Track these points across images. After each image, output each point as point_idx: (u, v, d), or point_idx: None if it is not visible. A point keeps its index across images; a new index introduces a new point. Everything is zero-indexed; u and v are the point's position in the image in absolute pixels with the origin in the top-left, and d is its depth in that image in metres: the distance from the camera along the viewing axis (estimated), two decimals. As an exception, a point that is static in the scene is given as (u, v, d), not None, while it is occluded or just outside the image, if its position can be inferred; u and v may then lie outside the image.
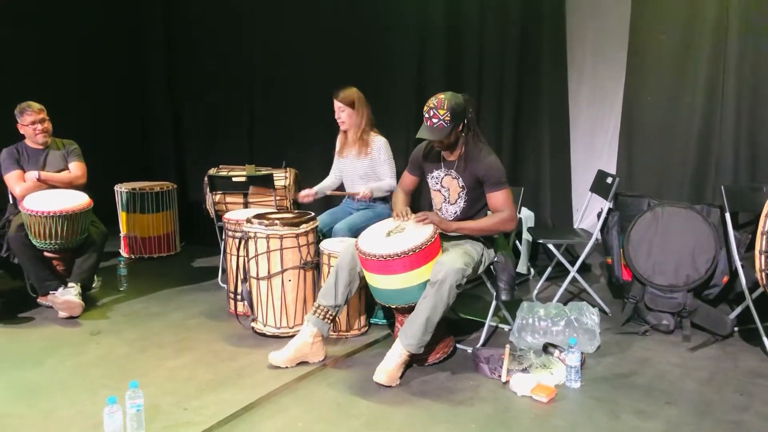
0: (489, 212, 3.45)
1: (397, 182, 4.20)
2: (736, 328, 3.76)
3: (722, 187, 3.83)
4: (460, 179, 3.42)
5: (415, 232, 3.25)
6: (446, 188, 3.49)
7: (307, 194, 4.33)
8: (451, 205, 3.50)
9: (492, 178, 3.32)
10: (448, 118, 3.23)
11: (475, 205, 3.46)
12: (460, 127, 3.31)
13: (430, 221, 3.32)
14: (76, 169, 4.42)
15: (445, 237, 3.39)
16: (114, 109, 6.46)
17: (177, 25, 6.41)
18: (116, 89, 6.47)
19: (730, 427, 2.75)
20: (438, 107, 3.23)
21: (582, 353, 3.27)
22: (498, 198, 3.33)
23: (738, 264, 3.67)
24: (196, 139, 6.53)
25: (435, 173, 3.52)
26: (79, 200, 4.12)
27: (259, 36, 6.04)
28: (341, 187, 4.41)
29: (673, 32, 4.62)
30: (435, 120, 3.24)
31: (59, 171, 4.38)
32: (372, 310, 3.92)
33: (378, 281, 3.25)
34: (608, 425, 2.78)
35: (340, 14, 5.64)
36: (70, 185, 4.33)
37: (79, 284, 4.10)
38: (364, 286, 3.48)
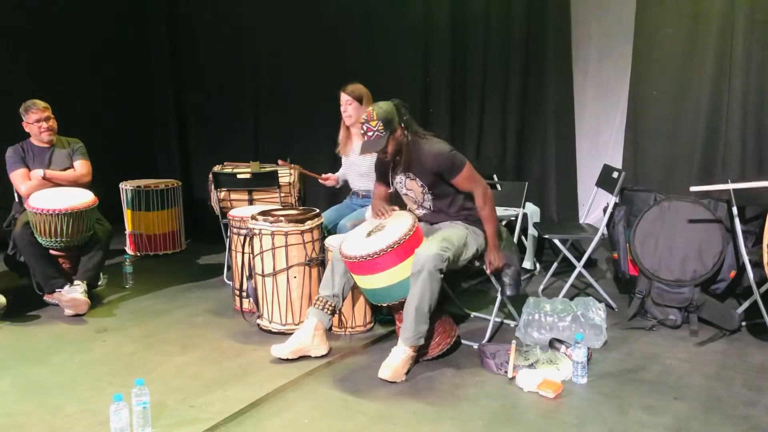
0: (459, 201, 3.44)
1: None
2: (743, 323, 3.74)
3: (729, 181, 3.80)
4: (418, 179, 3.39)
5: (394, 226, 3.25)
6: (411, 190, 3.47)
7: (328, 177, 4.39)
8: (422, 204, 3.48)
9: (444, 166, 3.29)
10: (381, 128, 3.23)
11: (444, 199, 3.42)
12: (397, 132, 3.30)
13: (496, 265, 3.39)
14: (81, 167, 4.42)
15: (427, 229, 3.41)
16: (119, 107, 6.46)
17: (183, 23, 6.41)
18: (122, 87, 6.48)
19: (739, 421, 2.74)
20: (369, 120, 3.25)
21: (588, 349, 3.26)
22: (462, 180, 3.32)
23: (745, 258, 3.65)
24: (200, 137, 6.54)
25: (398, 179, 3.49)
26: (85, 198, 4.13)
27: (264, 33, 6.04)
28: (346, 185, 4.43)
29: (679, 26, 4.60)
30: (370, 133, 3.26)
31: (64, 169, 4.39)
32: (377, 306, 3.90)
33: (367, 282, 3.25)
34: (616, 420, 2.76)
35: (344, 13, 5.63)
36: (75, 183, 4.34)
37: (84, 282, 4.10)
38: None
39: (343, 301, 3.45)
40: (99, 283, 4.49)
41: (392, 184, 3.55)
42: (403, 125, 3.31)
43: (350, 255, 3.19)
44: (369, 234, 3.30)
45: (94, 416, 2.77)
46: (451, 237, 3.28)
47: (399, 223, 3.27)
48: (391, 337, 3.68)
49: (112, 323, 3.94)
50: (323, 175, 4.46)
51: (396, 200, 3.60)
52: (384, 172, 3.57)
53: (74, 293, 4.00)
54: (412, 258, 3.15)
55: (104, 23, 6.24)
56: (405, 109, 3.36)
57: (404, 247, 3.14)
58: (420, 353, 3.27)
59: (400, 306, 3.23)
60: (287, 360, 3.30)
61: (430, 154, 3.30)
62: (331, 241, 3.76)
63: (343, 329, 3.72)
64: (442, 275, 3.15)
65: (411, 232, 3.18)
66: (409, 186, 3.46)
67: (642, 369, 3.27)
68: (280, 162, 4.48)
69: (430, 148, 3.31)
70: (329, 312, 3.39)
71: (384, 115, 3.24)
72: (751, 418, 2.76)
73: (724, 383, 3.10)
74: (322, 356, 3.36)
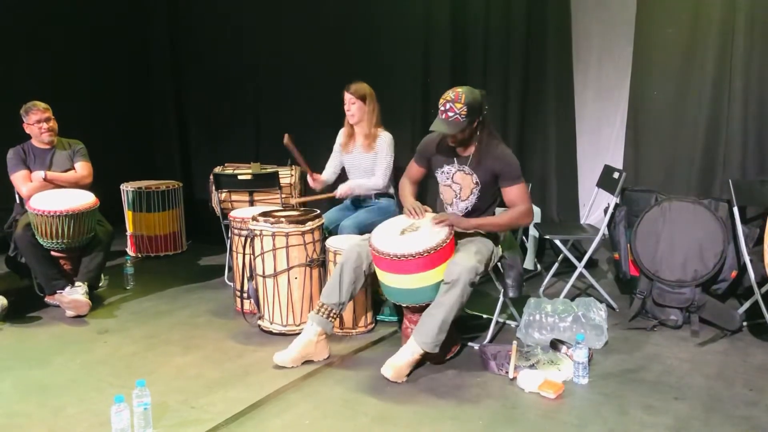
0: (497, 209, 3.43)
1: (389, 181, 4.23)
2: (744, 323, 3.74)
3: (730, 181, 3.80)
4: (475, 175, 3.37)
5: (430, 231, 3.22)
6: (458, 184, 3.44)
7: (316, 178, 4.38)
8: (462, 201, 3.45)
9: (509, 173, 3.30)
10: (465, 113, 3.17)
11: (486, 201, 3.43)
12: (475, 123, 3.26)
13: (449, 222, 3.29)
14: (82, 168, 4.43)
15: (457, 235, 3.35)
16: (120, 108, 6.46)
17: (183, 23, 6.42)
18: (122, 88, 6.48)
19: (740, 422, 2.74)
20: (455, 100, 3.18)
21: (589, 349, 3.25)
22: (515, 192, 3.31)
23: (746, 258, 3.65)
24: (201, 138, 6.54)
25: (446, 168, 3.46)
26: (86, 199, 4.13)
27: (264, 34, 6.03)
28: (328, 189, 4.40)
29: (680, 26, 4.59)
30: (451, 113, 3.18)
31: (65, 171, 4.39)
32: (378, 307, 3.91)
33: (390, 279, 3.23)
34: (617, 421, 2.76)
35: (345, 13, 5.63)
36: (76, 185, 4.34)
37: (86, 283, 4.11)
38: (369, 284, 3.47)
39: (348, 305, 3.44)
40: (100, 284, 4.50)
41: (435, 170, 3.51)
42: (481, 118, 3.27)
43: (381, 251, 3.15)
44: (403, 231, 3.27)
45: (95, 417, 2.77)
46: (482, 250, 3.28)
47: (435, 229, 3.23)
48: (392, 338, 3.68)
49: (113, 324, 3.94)
50: (314, 174, 4.42)
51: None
52: (429, 155, 3.53)
53: (75, 294, 4.00)
54: (441, 267, 3.13)
55: (104, 23, 6.24)
56: (487, 104, 3.32)
57: (438, 255, 3.12)
58: (429, 357, 3.24)
59: (417, 309, 3.22)
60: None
61: (500, 156, 3.30)
62: (332, 243, 3.76)
63: (343, 330, 3.72)
64: (473, 288, 3.15)
65: (447, 241, 3.16)
66: (457, 179, 3.42)
67: (643, 369, 3.27)
68: (286, 138, 4.38)
69: (502, 150, 3.32)
70: (333, 319, 3.38)
71: (472, 102, 3.18)
72: (752, 419, 2.76)
73: (725, 383, 3.10)
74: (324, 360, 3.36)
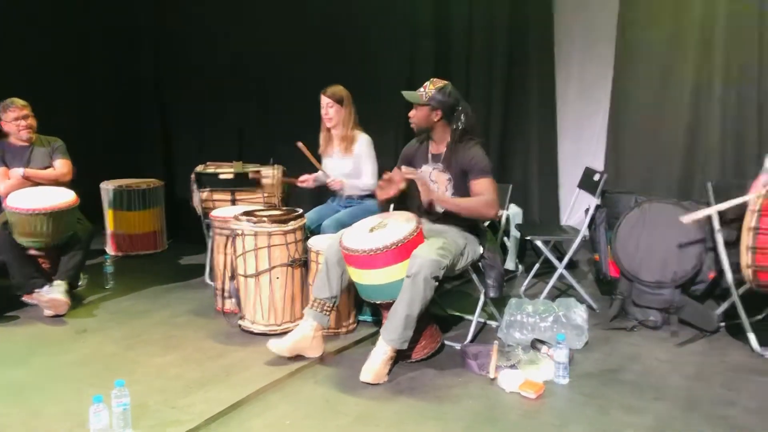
0: None
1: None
2: (722, 324, 3.78)
3: (709, 184, 3.84)
4: (447, 172, 3.46)
5: (397, 226, 3.26)
6: (435, 182, 3.52)
7: (306, 178, 4.40)
8: None
9: (475, 167, 3.37)
10: (431, 96, 3.38)
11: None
12: (438, 113, 3.40)
13: (418, 177, 3.37)
14: (62, 166, 4.38)
15: (427, 228, 3.41)
16: (100, 105, 6.41)
17: (166, 22, 6.36)
18: (103, 85, 6.42)
19: (718, 421, 2.77)
20: (432, 83, 3.43)
21: (570, 349, 3.28)
22: (480, 185, 3.37)
23: (724, 260, 3.69)
24: (183, 136, 6.49)
25: (424, 168, 3.57)
26: (65, 197, 4.08)
27: (247, 33, 6.00)
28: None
29: (661, 28, 4.64)
30: (421, 90, 3.42)
31: (44, 168, 4.34)
32: (360, 308, 3.91)
33: (362, 277, 3.25)
34: (597, 421, 2.78)
35: (328, 13, 5.62)
36: (55, 182, 4.29)
37: (65, 282, 4.06)
38: (353, 284, 3.47)
39: (340, 299, 3.46)
40: (79, 283, 4.45)
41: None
42: (454, 114, 3.42)
43: (350, 248, 3.19)
44: (372, 229, 3.30)
45: (73, 418, 2.74)
46: (450, 245, 3.30)
47: (403, 224, 3.28)
48: (374, 338, 3.67)
49: (92, 324, 3.90)
50: (300, 178, 4.44)
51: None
52: (410, 157, 3.66)
53: (54, 294, 3.95)
54: (409, 260, 3.15)
55: (87, 19, 6.18)
56: (469, 115, 3.46)
57: (405, 248, 3.14)
58: (402, 355, 3.27)
59: (391, 305, 3.23)
60: (273, 359, 3.29)
61: (469, 152, 3.40)
62: (314, 242, 3.76)
63: (326, 330, 3.71)
64: (437, 283, 3.16)
65: (414, 234, 3.18)
66: (434, 177, 3.52)
67: (623, 369, 3.29)
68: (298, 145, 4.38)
69: (473, 149, 3.42)
70: (327, 313, 3.39)
71: (442, 93, 3.39)
72: (730, 418, 2.80)
73: (704, 383, 3.14)
74: (316, 357, 3.36)
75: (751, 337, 3.50)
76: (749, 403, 2.93)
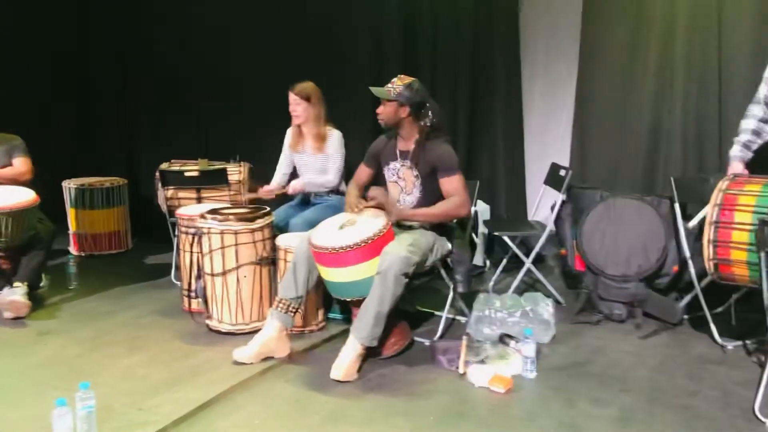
0: None
1: (341, 178, 4.23)
2: (685, 316, 3.86)
3: (672, 179, 3.91)
4: (415, 169, 3.46)
5: (367, 224, 3.25)
6: (403, 179, 3.53)
7: (270, 189, 4.38)
8: (408, 195, 3.53)
9: (444, 165, 3.38)
10: (398, 91, 3.40)
11: (431, 197, 3.47)
12: (406, 109, 3.41)
13: (378, 201, 3.35)
14: (21, 164, 4.28)
15: (397, 226, 3.41)
16: (63, 102, 6.27)
17: (130, 13, 6.26)
18: (64, 81, 6.28)
19: (681, 411, 2.83)
20: (400, 79, 3.46)
21: (537, 343, 3.31)
22: (450, 183, 3.38)
23: (687, 253, 3.76)
24: (147, 133, 6.39)
25: (392, 165, 3.57)
26: (25, 196, 3.98)
27: (212, 29, 5.93)
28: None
29: (623, 27, 4.70)
30: (389, 85, 3.44)
31: (2, 167, 4.25)
32: (330, 306, 3.90)
33: (332, 274, 3.24)
34: (565, 414, 2.82)
35: (294, 10, 5.58)
36: (14, 182, 4.19)
37: (25, 283, 3.97)
38: (321, 282, 3.46)
39: (305, 299, 3.43)
40: (41, 284, 4.36)
41: (383, 168, 3.63)
42: (423, 111, 3.43)
43: (319, 245, 3.17)
44: (342, 227, 3.28)
45: (36, 422, 2.67)
46: (420, 241, 3.31)
47: (372, 221, 3.27)
48: (343, 336, 3.66)
49: (55, 325, 3.82)
50: (261, 190, 4.41)
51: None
52: (376, 155, 3.66)
53: (14, 295, 3.87)
54: (379, 257, 3.14)
55: (46, 14, 6.04)
56: (437, 112, 3.48)
57: (374, 245, 3.14)
58: (372, 352, 3.27)
59: (361, 302, 3.23)
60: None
61: (437, 149, 3.42)
62: (282, 240, 3.73)
63: (293, 329, 3.69)
64: (407, 280, 3.16)
65: (384, 231, 3.18)
66: (402, 174, 3.53)
67: (589, 362, 3.34)
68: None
69: (441, 146, 3.44)
70: (292, 314, 3.37)
71: (410, 89, 3.41)
72: (692, 408, 2.86)
73: (667, 374, 3.20)
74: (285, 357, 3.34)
75: (713, 329, 3.58)
76: (711, 392, 3.00)
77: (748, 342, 3.51)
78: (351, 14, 5.45)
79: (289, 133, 4.38)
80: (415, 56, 5.34)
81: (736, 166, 3.59)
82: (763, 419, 2.73)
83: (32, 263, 4.06)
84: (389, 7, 5.33)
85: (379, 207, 3.37)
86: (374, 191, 3.44)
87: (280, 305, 3.35)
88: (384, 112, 3.46)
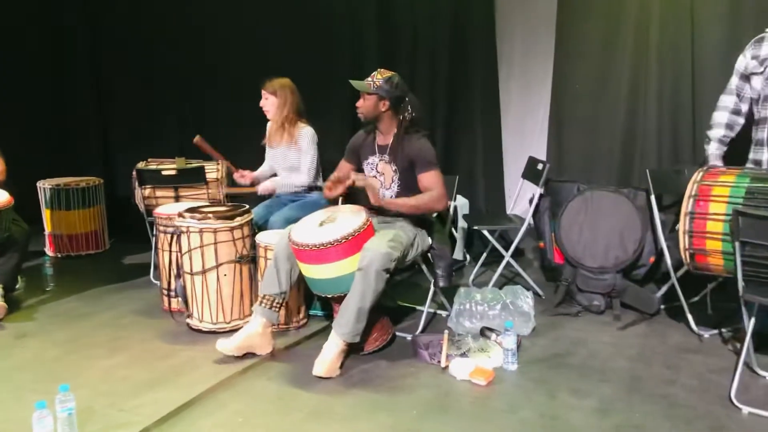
0: None
1: (317, 175, 4.23)
2: (662, 306, 3.92)
3: (647, 171, 3.96)
4: (393, 164, 3.48)
5: (347, 220, 3.25)
6: (381, 173, 3.54)
7: (243, 174, 4.35)
8: (387, 189, 3.55)
9: (422, 159, 3.39)
10: (378, 84, 3.41)
11: (409, 191, 3.48)
12: (386, 104, 3.42)
13: (366, 183, 3.35)
14: (-6, 165, 4.21)
15: (381, 213, 3.44)
16: (37, 101, 6.17)
17: (104, 13, 6.19)
18: (37, 79, 6.19)
19: (659, 399, 2.87)
20: (380, 73, 3.45)
21: (518, 336, 3.34)
22: (428, 178, 3.39)
23: (663, 244, 3.81)
24: (123, 132, 6.32)
25: (371, 159, 3.58)
26: (-1, 198, 3.93)
27: (187, 26, 5.89)
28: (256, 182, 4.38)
29: (597, 23, 4.74)
30: (369, 79, 3.44)
31: (-25, 168, 4.17)
32: (311, 303, 3.89)
33: (313, 271, 3.24)
34: (545, 405, 2.85)
35: (271, 5, 5.55)
36: (-13, 183, 4.13)
37: (1, 286, 3.91)
38: (303, 280, 3.45)
39: (289, 294, 3.43)
40: (17, 286, 4.29)
41: (363, 163, 3.63)
42: (402, 106, 3.45)
43: (299, 242, 3.16)
44: (321, 224, 3.28)
45: (15, 426, 2.65)
46: (401, 236, 3.31)
47: (351, 217, 3.27)
48: (325, 333, 3.66)
49: (32, 328, 3.77)
50: (238, 171, 4.38)
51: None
52: (356, 150, 3.66)
53: (-10, 298, 3.81)
54: (360, 253, 3.15)
55: (20, 11, 5.94)
56: (416, 107, 3.49)
57: (355, 242, 3.13)
58: (354, 348, 3.28)
59: (342, 299, 3.23)
60: (224, 357, 3.25)
61: (415, 144, 3.42)
62: (262, 238, 3.72)
63: (277, 326, 3.68)
64: (389, 275, 3.17)
65: (364, 227, 3.18)
66: (380, 168, 3.54)
67: (569, 354, 3.38)
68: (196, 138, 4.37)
69: (418, 140, 3.44)
70: (276, 310, 3.36)
71: (390, 83, 3.41)
72: (670, 396, 2.90)
73: (645, 364, 3.25)
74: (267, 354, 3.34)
75: (690, 318, 3.64)
76: (688, 380, 3.05)
77: (723, 330, 3.58)
78: (328, 13, 5.46)
79: (267, 127, 4.38)
80: (393, 51, 5.35)
81: (716, 164, 3.64)
82: (739, 405, 2.78)
83: (7, 265, 4.00)
84: (366, 5, 5.34)
85: (360, 188, 3.35)
86: (355, 174, 3.44)
87: (264, 301, 3.34)
88: (363, 105, 3.47)
